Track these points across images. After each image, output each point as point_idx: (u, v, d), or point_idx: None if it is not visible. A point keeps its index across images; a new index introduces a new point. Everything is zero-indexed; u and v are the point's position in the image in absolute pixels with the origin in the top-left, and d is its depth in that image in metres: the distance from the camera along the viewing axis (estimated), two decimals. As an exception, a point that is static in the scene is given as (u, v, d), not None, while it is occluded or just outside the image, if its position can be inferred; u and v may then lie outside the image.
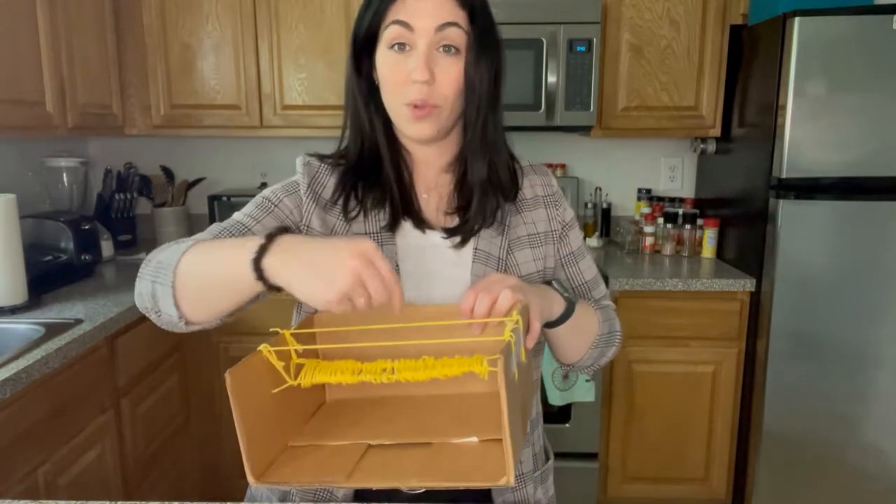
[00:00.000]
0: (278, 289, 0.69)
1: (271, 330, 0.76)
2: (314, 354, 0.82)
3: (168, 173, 2.65)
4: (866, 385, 2.10)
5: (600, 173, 2.80)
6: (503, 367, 0.61)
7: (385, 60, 0.85)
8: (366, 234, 0.90)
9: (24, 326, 1.63)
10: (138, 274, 0.80)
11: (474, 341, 0.73)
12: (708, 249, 2.49)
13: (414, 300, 0.88)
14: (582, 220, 2.73)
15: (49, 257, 2.01)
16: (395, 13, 0.83)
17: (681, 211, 2.55)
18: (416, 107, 0.83)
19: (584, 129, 2.43)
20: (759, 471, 2.19)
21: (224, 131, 2.47)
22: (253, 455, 0.68)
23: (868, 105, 1.97)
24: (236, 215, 0.89)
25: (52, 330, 1.58)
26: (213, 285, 0.74)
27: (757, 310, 2.18)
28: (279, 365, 0.73)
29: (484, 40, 0.85)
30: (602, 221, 2.75)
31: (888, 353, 2.07)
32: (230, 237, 0.85)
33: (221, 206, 2.49)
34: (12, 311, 1.70)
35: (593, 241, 2.68)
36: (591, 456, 2.29)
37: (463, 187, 0.92)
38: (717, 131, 2.43)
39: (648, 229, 2.56)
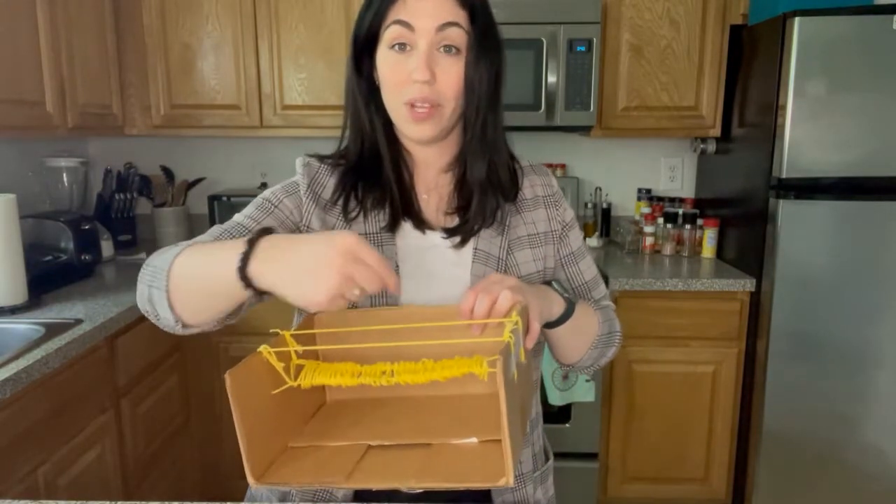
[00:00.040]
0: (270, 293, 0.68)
1: (271, 331, 0.76)
2: (314, 355, 0.82)
3: (168, 173, 2.65)
4: (866, 385, 2.10)
5: (600, 173, 2.80)
6: (502, 368, 0.61)
7: (385, 60, 0.85)
8: (365, 234, 0.90)
9: (24, 326, 1.63)
10: (138, 277, 0.80)
11: (474, 342, 0.73)
12: (708, 249, 2.49)
13: (414, 300, 0.88)
14: (582, 220, 2.73)
15: (49, 257, 2.01)
16: (395, 13, 0.83)
17: (681, 211, 2.55)
18: (416, 108, 0.83)
19: (584, 129, 2.43)
20: (759, 471, 2.19)
21: (224, 131, 2.47)
22: (253, 456, 0.68)
23: (868, 105, 1.97)
24: (237, 216, 0.89)
25: (52, 330, 1.58)
26: (205, 290, 0.73)
27: (757, 310, 2.18)
28: (279, 366, 0.73)
29: (484, 40, 0.85)
30: (602, 221, 2.75)
31: (888, 353, 2.07)
32: (230, 238, 0.84)
33: (221, 206, 2.49)
34: (12, 311, 1.70)
35: (593, 241, 2.68)
36: (591, 456, 2.29)
37: (463, 187, 0.93)
38: (717, 131, 2.43)
39: (648, 229, 2.56)
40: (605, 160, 2.79)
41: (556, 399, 2.12)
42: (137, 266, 0.82)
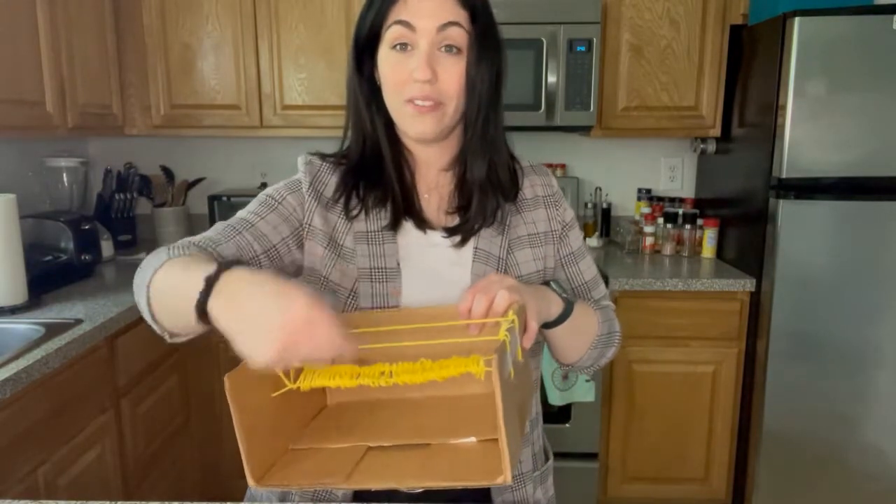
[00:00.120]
0: None
1: None
2: None
3: (168, 173, 2.65)
4: (866, 385, 2.10)
5: (600, 173, 2.80)
6: (497, 366, 0.61)
7: (387, 60, 0.85)
8: (367, 232, 0.90)
9: (24, 326, 1.63)
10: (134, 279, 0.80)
11: (471, 342, 0.73)
12: (708, 249, 2.49)
13: (415, 299, 0.88)
14: (582, 220, 2.73)
15: (49, 257, 2.01)
16: (396, 13, 0.83)
17: (681, 211, 2.55)
18: (417, 104, 0.83)
19: (584, 129, 2.43)
20: (759, 471, 2.19)
21: (224, 131, 2.47)
22: (253, 458, 0.69)
23: (868, 105, 1.97)
24: (240, 213, 0.90)
25: (52, 330, 1.58)
26: (177, 310, 0.70)
27: (757, 310, 2.18)
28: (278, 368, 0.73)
29: (485, 40, 0.85)
30: (602, 221, 2.75)
31: (888, 353, 2.07)
32: (233, 232, 0.85)
33: (221, 206, 2.49)
34: (12, 311, 1.70)
35: (593, 241, 2.68)
36: (591, 456, 2.29)
37: (463, 187, 0.93)
38: (717, 131, 2.43)
39: (648, 229, 2.56)
40: (605, 160, 2.79)
41: (556, 399, 2.12)
42: (137, 266, 0.82)
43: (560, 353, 0.96)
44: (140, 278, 0.76)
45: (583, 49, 2.25)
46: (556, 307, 0.85)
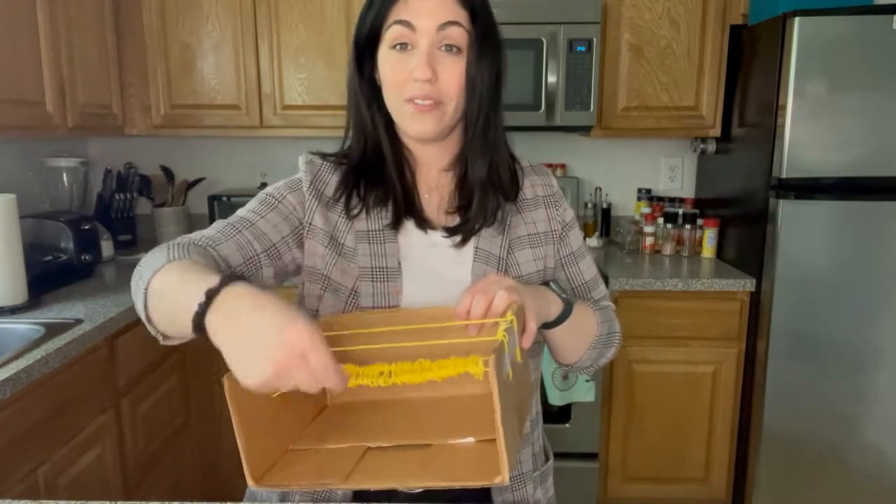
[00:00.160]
0: None
1: None
2: None
3: (168, 173, 2.65)
4: (866, 385, 2.10)
5: (600, 173, 2.80)
6: (494, 366, 0.61)
7: (387, 60, 0.85)
8: (368, 231, 0.90)
9: (24, 326, 1.63)
10: (132, 277, 0.79)
11: (470, 343, 0.73)
12: (708, 249, 2.49)
13: (415, 299, 0.89)
14: (582, 220, 2.73)
15: (49, 257, 2.01)
16: (397, 13, 0.83)
17: (681, 211, 2.55)
18: (417, 104, 0.83)
19: (584, 129, 2.43)
20: (759, 471, 2.19)
21: (224, 131, 2.47)
22: (252, 458, 0.69)
23: (868, 105, 1.97)
24: (240, 211, 0.90)
25: (52, 330, 1.58)
26: (174, 316, 0.70)
27: (757, 310, 2.18)
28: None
29: (485, 40, 0.85)
30: (602, 221, 2.75)
31: (888, 353, 2.07)
32: (234, 231, 0.85)
33: (221, 206, 2.49)
34: (12, 311, 1.70)
35: (593, 241, 2.68)
36: (591, 456, 2.29)
37: (464, 187, 0.93)
38: (717, 131, 2.43)
39: (648, 229, 2.56)
40: (605, 160, 2.79)
41: (556, 399, 2.12)
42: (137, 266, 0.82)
43: (559, 354, 0.96)
44: (138, 279, 0.76)
45: (583, 49, 2.25)
46: (555, 307, 0.85)
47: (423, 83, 0.82)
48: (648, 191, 2.75)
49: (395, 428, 0.78)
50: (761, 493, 2.20)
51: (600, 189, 2.77)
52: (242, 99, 2.41)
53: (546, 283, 0.90)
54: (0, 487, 1.30)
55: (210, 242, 0.82)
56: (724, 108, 2.40)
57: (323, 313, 0.89)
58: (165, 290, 0.71)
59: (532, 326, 0.76)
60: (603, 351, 0.97)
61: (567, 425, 2.25)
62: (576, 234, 1.00)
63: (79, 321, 1.65)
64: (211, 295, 0.63)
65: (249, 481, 0.69)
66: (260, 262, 0.85)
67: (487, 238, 0.92)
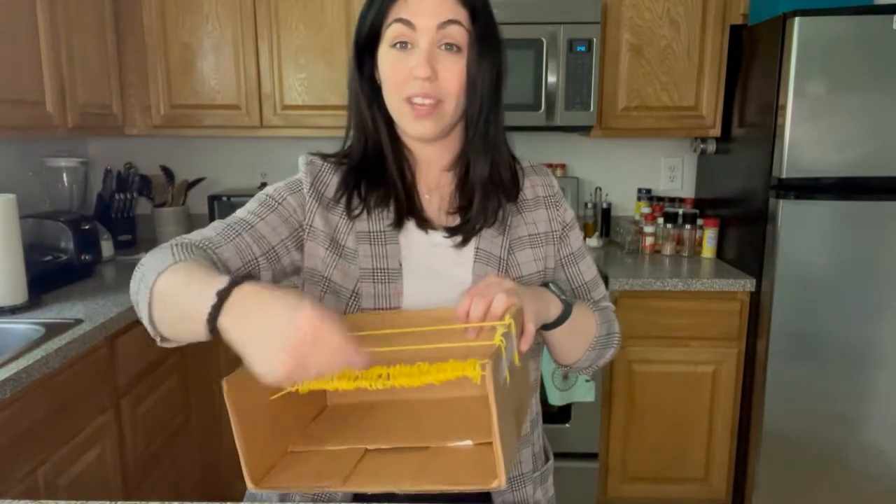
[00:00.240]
0: None
1: None
2: None
3: (168, 173, 2.65)
4: (866, 385, 2.10)
5: (600, 173, 2.80)
6: (491, 373, 0.61)
7: (387, 58, 0.85)
8: (369, 232, 0.90)
9: (24, 326, 1.63)
10: (131, 277, 0.79)
11: (469, 346, 0.73)
12: (708, 249, 2.49)
13: (416, 299, 0.88)
14: (582, 220, 2.73)
15: (49, 257, 2.01)
16: (397, 11, 0.83)
17: (681, 211, 2.55)
18: (416, 104, 0.83)
19: (584, 129, 2.43)
20: (759, 471, 2.19)
21: (224, 131, 2.47)
22: (251, 460, 0.69)
23: (868, 105, 1.97)
24: (239, 212, 0.89)
25: (52, 330, 1.58)
26: (181, 317, 0.70)
27: (757, 310, 2.18)
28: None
29: (485, 39, 0.85)
30: (602, 221, 2.75)
31: (888, 353, 2.07)
32: (233, 233, 0.84)
33: (221, 206, 2.49)
34: (12, 311, 1.70)
35: (593, 241, 2.68)
36: (591, 456, 2.29)
37: (465, 187, 0.93)
38: (717, 131, 2.43)
39: (648, 229, 2.56)
40: (605, 160, 2.79)
41: (556, 399, 2.12)
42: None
43: (558, 354, 0.96)
44: (140, 279, 0.75)
45: (583, 49, 2.25)
46: (554, 309, 0.85)
47: (422, 81, 0.82)
48: (648, 191, 2.75)
49: (393, 429, 0.79)
50: (761, 493, 2.20)
51: (600, 189, 2.77)
52: (242, 99, 2.41)
53: (546, 285, 0.90)
54: (0, 487, 1.30)
55: (210, 245, 0.81)
56: (724, 108, 2.40)
57: None
58: (173, 291, 0.70)
59: (530, 329, 0.76)
60: (602, 352, 0.97)
61: (567, 425, 2.25)
62: (576, 235, 1.00)
63: (79, 321, 1.65)
64: (222, 296, 0.63)
65: (249, 484, 0.69)
66: (259, 265, 0.85)
67: (488, 238, 0.92)
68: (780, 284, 2.08)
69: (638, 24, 2.35)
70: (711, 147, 2.57)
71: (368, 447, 0.75)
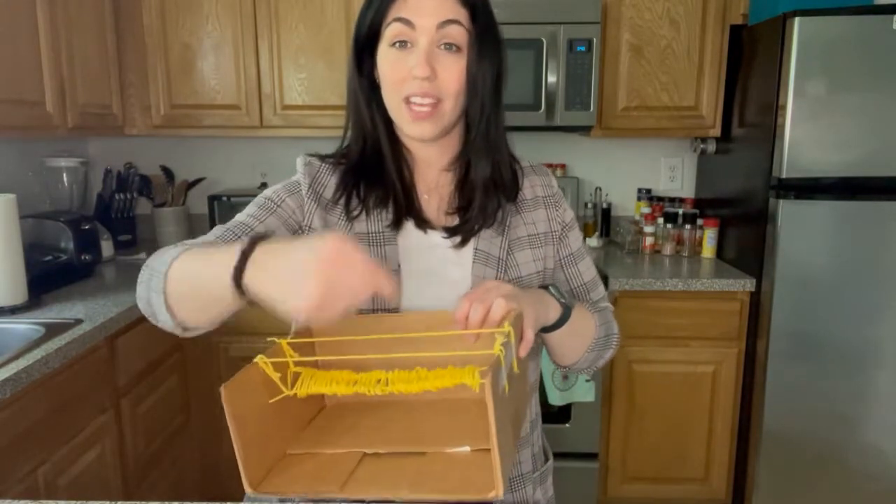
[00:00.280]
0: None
1: (268, 339, 0.76)
2: (311, 362, 0.82)
3: (168, 173, 2.65)
4: (866, 385, 2.10)
5: (600, 173, 2.80)
6: (490, 384, 0.61)
7: (386, 58, 0.85)
8: (368, 233, 0.90)
9: (24, 326, 1.63)
10: (138, 279, 0.79)
11: (467, 353, 0.73)
12: (708, 249, 2.49)
13: (415, 300, 0.88)
14: (582, 220, 2.73)
15: (49, 257, 2.01)
16: (396, 11, 0.83)
17: (681, 211, 2.55)
18: (415, 106, 0.83)
19: (584, 129, 2.43)
20: (759, 471, 2.19)
21: (224, 131, 2.47)
22: (250, 465, 0.69)
23: (868, 105, 1.97)
24: (238, 216, 0.89)
25: (52, 330, 1.58)
26: (202, 296, 0.71)
27: (757, 310, 2.18)
28: (276, 376, 0.73)
29: (486, 39, 0.85)
30: (602, 221, 2.75)
31: (888, 353, 2.07)
32: (232, 236, 0.85)
33: (221, 206, 2.49)
34: (12, 311, 1.70)
35: (593, 241, 2.68)
36: (591, 456, 2.29)
37: (464, 187, 0.93)
38: (717, 131, 2.43)
39: (648, 229, 2.56)
40: (605, 160, 2.79)
41: (556, 399, 2.12)
42: (137, 266, 0.82)
43: (557, 356, 0.96)
44: (150, 274, 0.75)
45: (583, 49, 2.25)
46: (553, 312, 0.85)
47: (421, 81, 0.82)
48: (648, 191, 2.74)
49: (392, 431, 0.79)
50: (761, 493, 2.20)
51: (600, 189, 2.77)
52: (242, 99, 2.41)
53: (545, 287, 0.90)
54: (0, 487, 1.30)
55: None
56: (724, 108, 2.40)
57: None
58: (190, 269, 0.72)
59: (529, 335, 0.76)
60: (601, 353, 0.97)
61: (567, 425, 2.25)
62: (575, 235, 1.00)
63: (79, 321, 1.65)
64: (246, 253, 0.64)
65: (247, 488, 0.69)
66: None
67: (487, 239, 0.92)
68: (780, 284, 2.08)
69: (638, 24, 2.35)
70: (711, 147, 2.57)
71: (366, 451, 0.75)
